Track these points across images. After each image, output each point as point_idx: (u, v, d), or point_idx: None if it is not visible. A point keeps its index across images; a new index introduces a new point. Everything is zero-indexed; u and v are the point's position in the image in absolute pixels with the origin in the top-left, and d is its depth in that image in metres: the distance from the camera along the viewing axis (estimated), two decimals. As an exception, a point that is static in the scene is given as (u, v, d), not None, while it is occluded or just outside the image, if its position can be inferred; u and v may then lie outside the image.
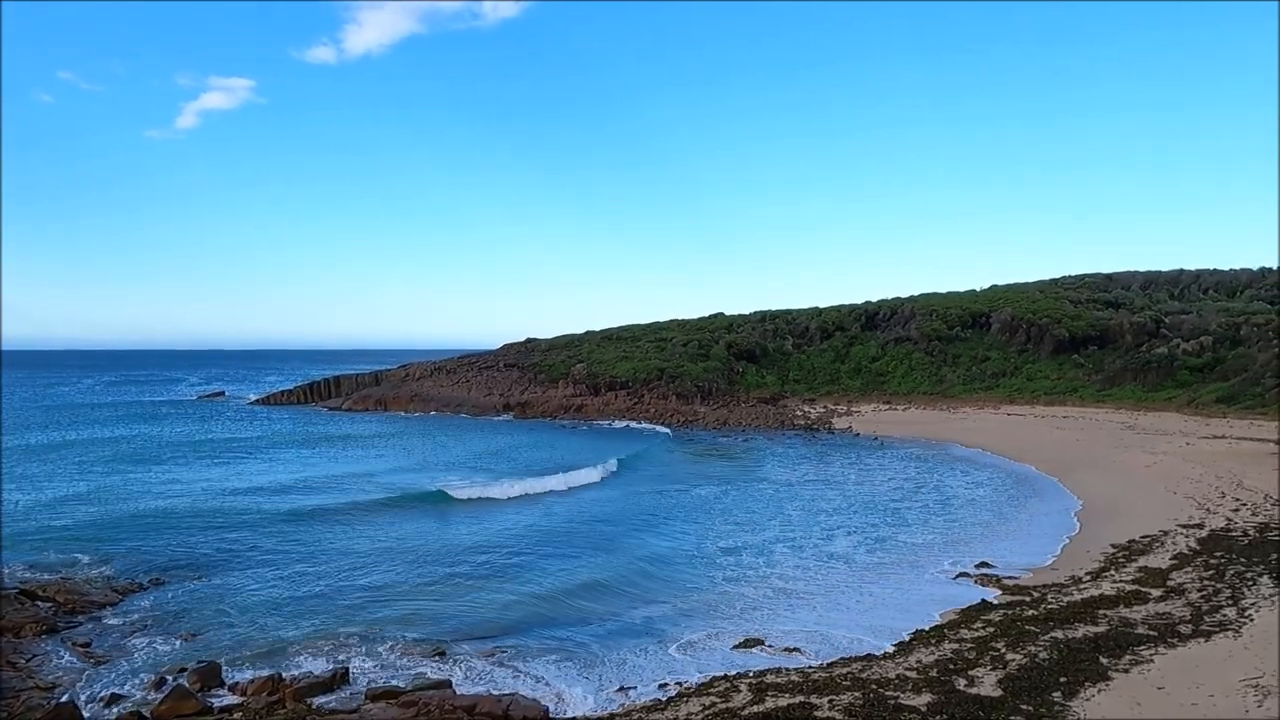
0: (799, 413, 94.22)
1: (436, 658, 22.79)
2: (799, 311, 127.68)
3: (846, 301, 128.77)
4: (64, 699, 19.19)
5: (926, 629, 23.94)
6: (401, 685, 20.31)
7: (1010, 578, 29.76)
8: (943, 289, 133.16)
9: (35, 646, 23.02)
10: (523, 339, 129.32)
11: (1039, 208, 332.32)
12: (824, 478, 55.12)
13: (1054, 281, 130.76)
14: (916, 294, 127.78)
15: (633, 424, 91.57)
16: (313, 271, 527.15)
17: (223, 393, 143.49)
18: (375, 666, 22.23)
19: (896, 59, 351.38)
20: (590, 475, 54.39)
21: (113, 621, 25.77)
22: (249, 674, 21.38)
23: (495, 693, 19.84)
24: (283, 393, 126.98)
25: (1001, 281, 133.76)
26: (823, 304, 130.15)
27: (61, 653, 22.80)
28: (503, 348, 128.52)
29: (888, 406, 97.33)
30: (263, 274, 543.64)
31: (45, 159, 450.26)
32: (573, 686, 20.91)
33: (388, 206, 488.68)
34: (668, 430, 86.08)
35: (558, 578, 30.86)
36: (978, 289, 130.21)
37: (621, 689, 20.60)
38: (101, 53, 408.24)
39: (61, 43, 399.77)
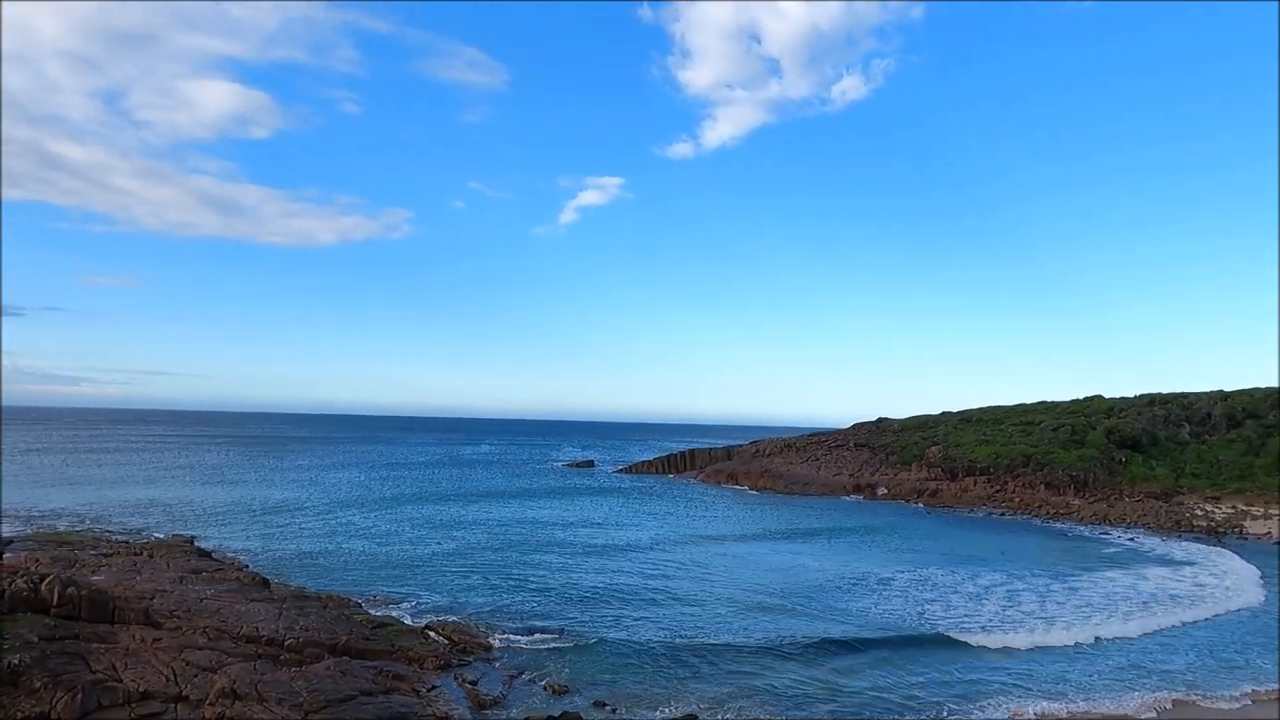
0: (1199, 512, 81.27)
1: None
2: (1198, 395, 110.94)
3: (1260, 385, 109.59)
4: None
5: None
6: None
7: None
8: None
9: (433, 678, 26.51)
10: (874, 419, 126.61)
11: None
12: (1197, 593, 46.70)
13: None
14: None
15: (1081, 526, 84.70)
16: (671, 349, 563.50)
17: (592, 461, 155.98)
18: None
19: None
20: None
21: (495, 664, 29.14)
22: (604, 731, 22.81)
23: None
24: (643, 463, 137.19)
25: None
26: (1228, 386, 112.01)
27: (453, 687, 26.02)
28: (853, 427, 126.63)
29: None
30: (626, 352, 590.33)
31: (464, 254, 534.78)
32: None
33: (737, 285, 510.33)
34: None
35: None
36: None
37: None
38: (503, 164, 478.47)
39: (473, 158, 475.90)
